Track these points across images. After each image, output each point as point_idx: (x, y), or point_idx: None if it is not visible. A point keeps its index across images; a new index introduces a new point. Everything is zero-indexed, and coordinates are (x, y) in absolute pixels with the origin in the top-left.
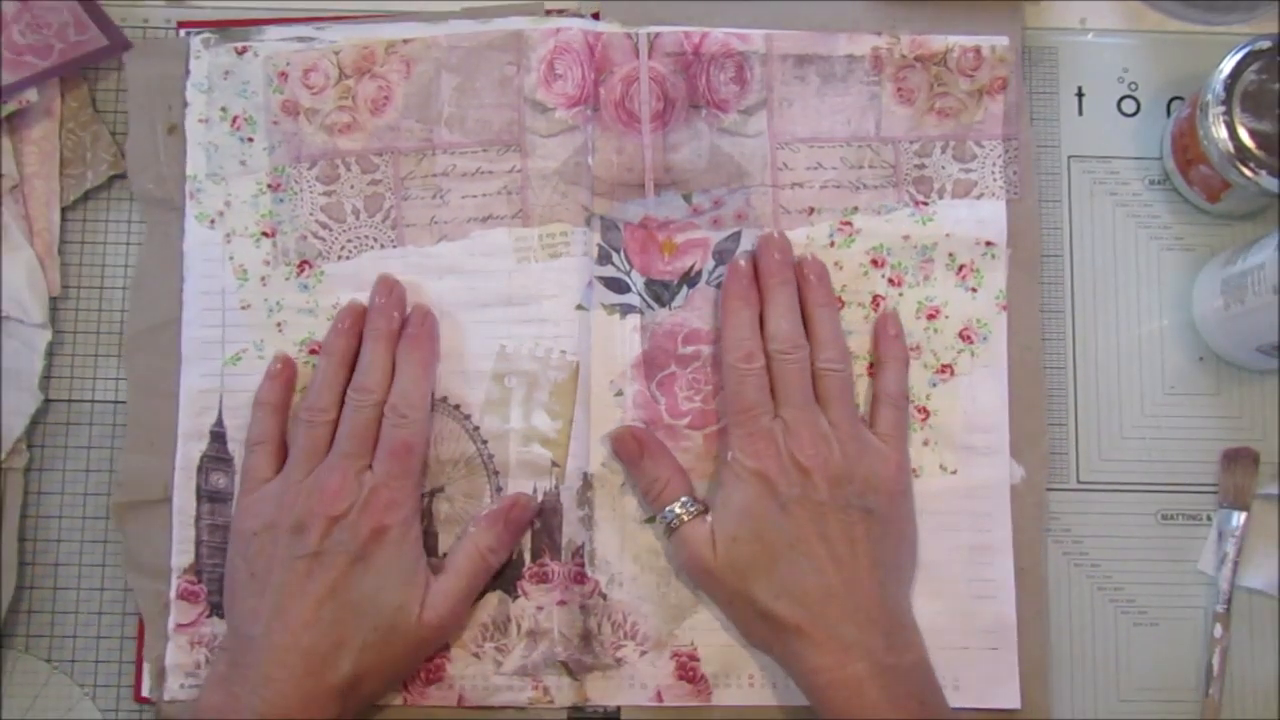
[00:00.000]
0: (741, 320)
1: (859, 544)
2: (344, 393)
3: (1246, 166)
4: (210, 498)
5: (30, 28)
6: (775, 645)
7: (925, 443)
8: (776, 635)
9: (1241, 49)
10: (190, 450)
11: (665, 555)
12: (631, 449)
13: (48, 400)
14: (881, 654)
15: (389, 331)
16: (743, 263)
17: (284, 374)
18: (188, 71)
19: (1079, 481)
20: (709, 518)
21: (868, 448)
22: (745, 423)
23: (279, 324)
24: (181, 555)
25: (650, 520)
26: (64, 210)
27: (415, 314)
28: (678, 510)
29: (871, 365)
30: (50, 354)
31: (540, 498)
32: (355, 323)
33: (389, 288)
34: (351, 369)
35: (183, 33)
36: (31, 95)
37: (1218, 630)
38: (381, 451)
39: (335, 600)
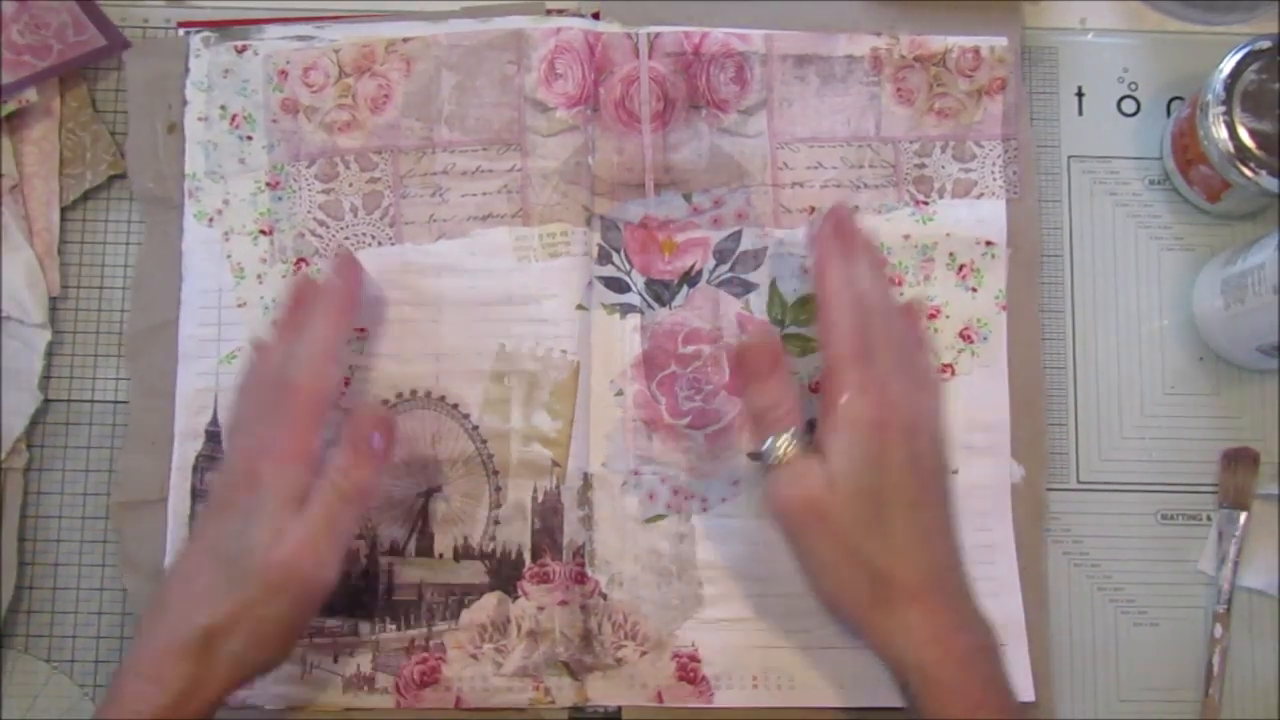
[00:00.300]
0: (839, 271)
1: (950, 509)
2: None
3: (1246, 166)
4: (205, 497)
5: (29, 28)
6: (875, 611)
7: None
8: (882, 599)
9: (1241, 49)
10: (186, 450)
11: (666, 558)
12: (761, 364)
13: (47, 400)
14: (969, 619)
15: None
16: (829, 222)
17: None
18: (187, 70)
19: (1079, 481)
20: (827, 461)
21: (933, 399)
22: (857, 367)
23: (275, 322)
24: (175, 555)
25: (653, 521)
26: (63, 210)
27: (341, 271)
28: (788, 442)
29: None
30: (50, 354)
31: (540, 497)
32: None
33: (346, 262)
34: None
35: (182, 31)
36: (31, 95)
37: (1218, 630)
38: (274, 391)
39: (210, 548)
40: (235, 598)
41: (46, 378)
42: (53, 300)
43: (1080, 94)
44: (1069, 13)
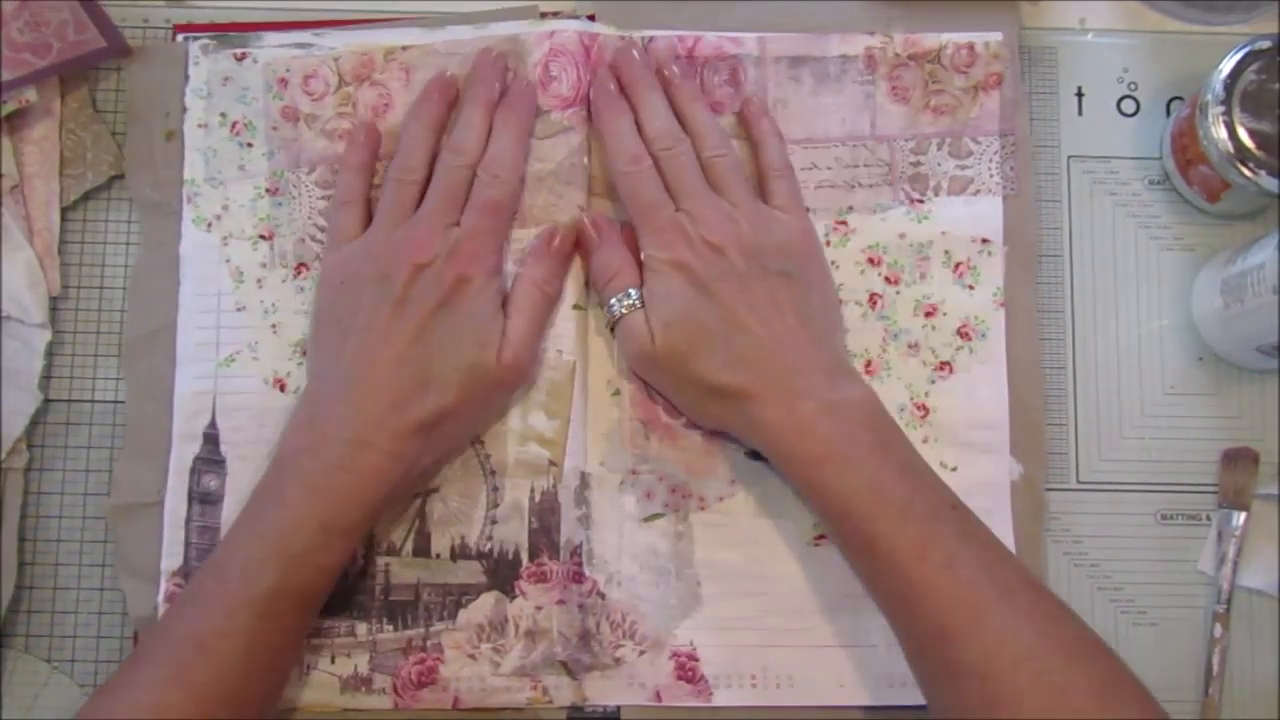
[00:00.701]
0: (620, 127)
1: (784, 305)
2: (432, 156)
3: (1246, 166)
4: (201, 499)
5: (29, 25)
6: (729, 417)
7: (925, 440)
8: (728, 406)
9: (1241, 49)
10: (184, 452)
11: (664, 557)
12: (589, 237)
13: (47, 400)
14: (825, 391)
15: (489, 98)
16: (606, 78)
17: (369, 140)
18: (187, 77)
19: (1079, 481)
20: (645, 310)
21: (772, 218)
22: (650, 220)
23: (274, 325)
24: (171, 558)
25: (650, 520)
26: (64, 210)
27: (516, 83)
28: (623, 303)
29: (870, 364)
30: (50, 354)
31: (538, 497)
32: (444, 93)
33: (491, 57)
34: (438, 136)
35: (181, 38)
36: (31, 95)
37: (1217, 630)
38: (471, 207)
39: (419, 342)
40: (465, 390)
41: (47, 378)
42: (53, 300)
43: (1080, 94)
44: (1068, 13)
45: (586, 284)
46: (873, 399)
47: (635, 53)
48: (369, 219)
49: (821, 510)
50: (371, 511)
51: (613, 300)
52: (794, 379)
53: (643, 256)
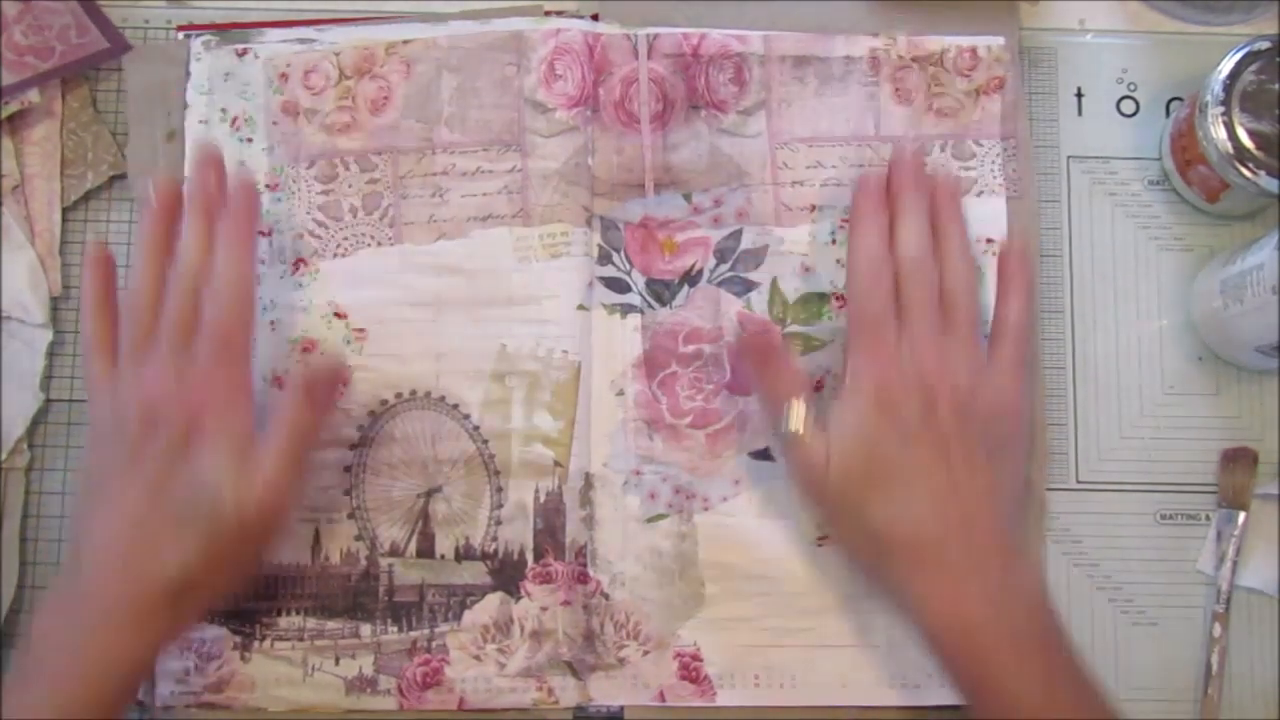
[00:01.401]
0: (870, 230)
1: (979, 476)
2: (165, 278)
3: (1245, 167)
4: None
5: (31, 29)
6: (883, 570)
7: None
8: (885, 559)
9: (1240, 49)
10: None
11: (667, 557)
12: (760, 352)
13: (49, 400)
14: (996, 575)
15: (208, 204)
16: (873, 179)
17: (100, 263)
18: (188, 74)
19: (1078, 481)
20: (827, 430)
21: (994, 382)
22: (870, 338)
23: (272, 323)
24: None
25: (654, 520)
26: (65, 210)
27: (237, 188)
28: (799, 414)
29: None
30: (51, 354)
31: (542, 498)
32: (171, 202)
33: (208, 158)
34: (169, 253)
35: (182, 35)
36: (33, 96)
37: (1216, 630)
38: (200, 337)
39: (154, 501)
40: (208, 545)
41: (48, 378)
42: (54, 300)
43: (1079, 94)
44: (1068, 13)
45: (589, 284)
46: (1039, 587)
47: (914, 158)
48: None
49: (961, 688)
50: (127, 687)
51: (785, 412)
52: (968, 556)
53: (848, 373)
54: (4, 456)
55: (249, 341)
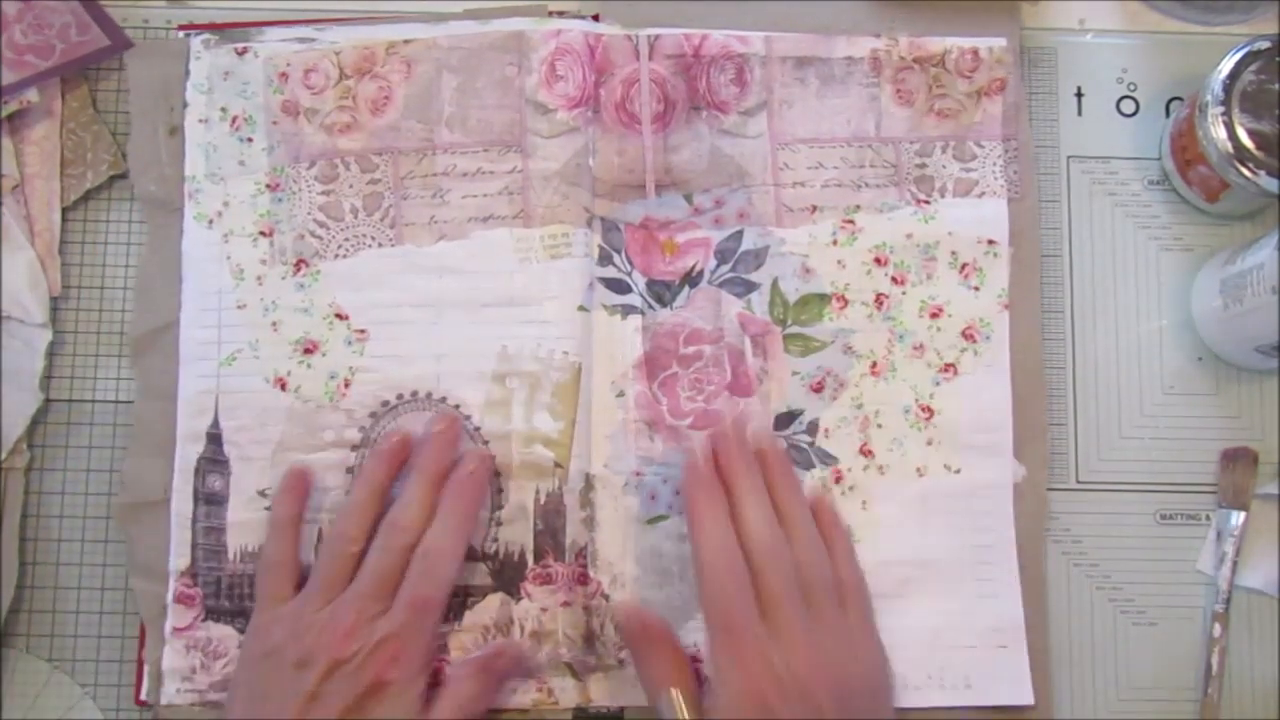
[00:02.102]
0: (709, 519)
1: None
2: (375, 522)
3: (1245, 167)
4: (207, 500)
5: (32, 28)
6: None
7: (929, 442)
8: None
9: (1240, 49)
10: (188, 452)
11: (668, 558)
12: (634, 630)
13: (48, 400)
14: None
15: (436, 473)
16: (701, 462)
17: (298, 488)
18: (188, 73)
19: (1078, 481)
20: None
21: (858, 650)
22: (734, 638)
23: (274, 323)
24: (179, 558)
25: (654, 522)
26: (65, 210)
27: (468, 458)
28: (674, 710)
29: (875, 365)
30: (51, 354)
31: (542, 499)
32: (398, 451)
33: (447, 424)
34: (384, 500)
35: (183, 34)
36: (33, 95)
37: (1216, 630)
38: (400, 599)
39: None
40: None
41: (48, 378)
42: (54, 300)
43: (1079, 94)
44: (1068, 13)
45: (589, 285)
46: None
47: (736, 440)
48: (299, 578)
49: None
50: None
51: (662, 705)
52: None
53: (716, 678)
54: (4, 456)
55: (440, 618)
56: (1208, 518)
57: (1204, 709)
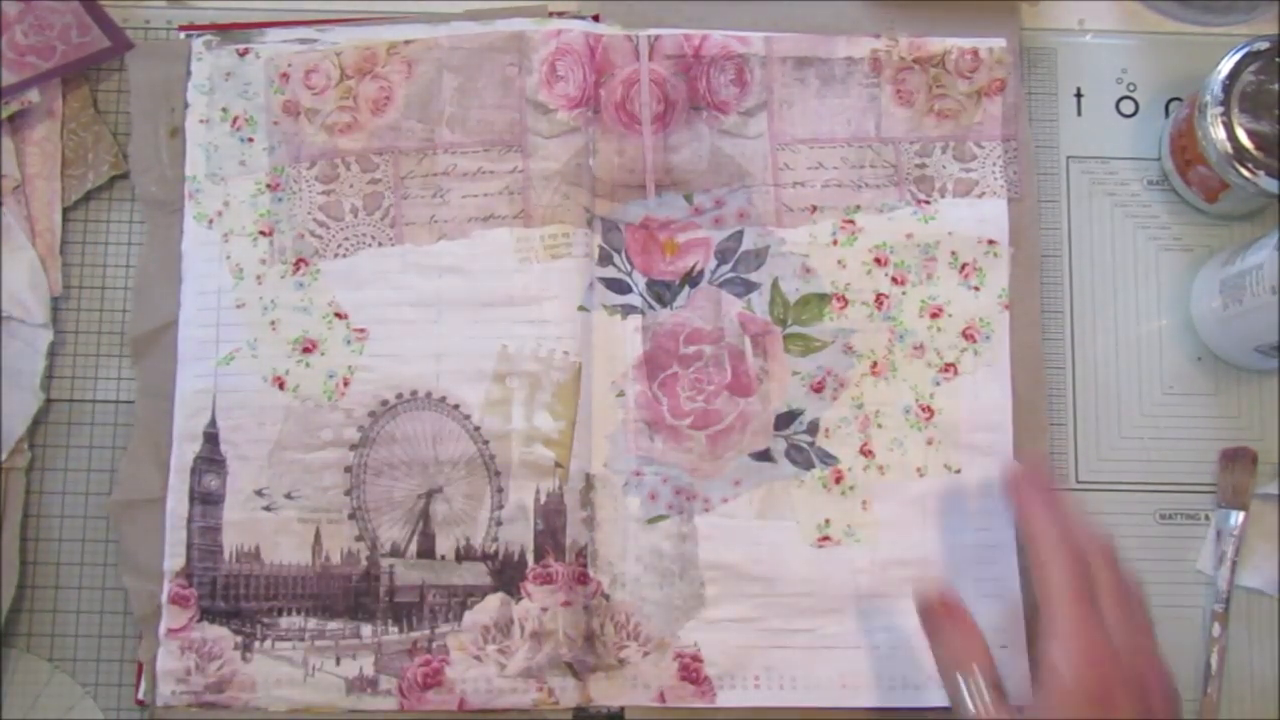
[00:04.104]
0: (1052, 511)
1: None
2: None
3: (1245, 167)
4: (202, 499)
5: (33, 28)
6: None
7: (930, 442)
8: None
9: (1240, 50)
10: (184, 452)
11: (668, 558)
12: (931, 606)
13: (49, 400)
14: None
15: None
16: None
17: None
18: (189, 73)
19: (1078, 481)
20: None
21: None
22: (1070, 624)
23: (273, 322)
24: (174, 558)
25: (654, 521)
26: (66, 210)
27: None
28: (977, 699)
29: (875, 365)
30: (52, 354)
31: (542, 498)
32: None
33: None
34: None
35: (184, 35)
36: (34, 96)
37: (1216, 629)
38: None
39: None
40: None
41: (49, 378)
42: (55, 300)
43: (1079, 95)
44: (1067, 14)
45: (589, 285)
46: None
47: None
48: None
49: None
50: None
51: (967, 692)
52: None
53: (1048, 660)
54: (4, 456)
55: None
56: (1207, 518)
57: (1204, 709)
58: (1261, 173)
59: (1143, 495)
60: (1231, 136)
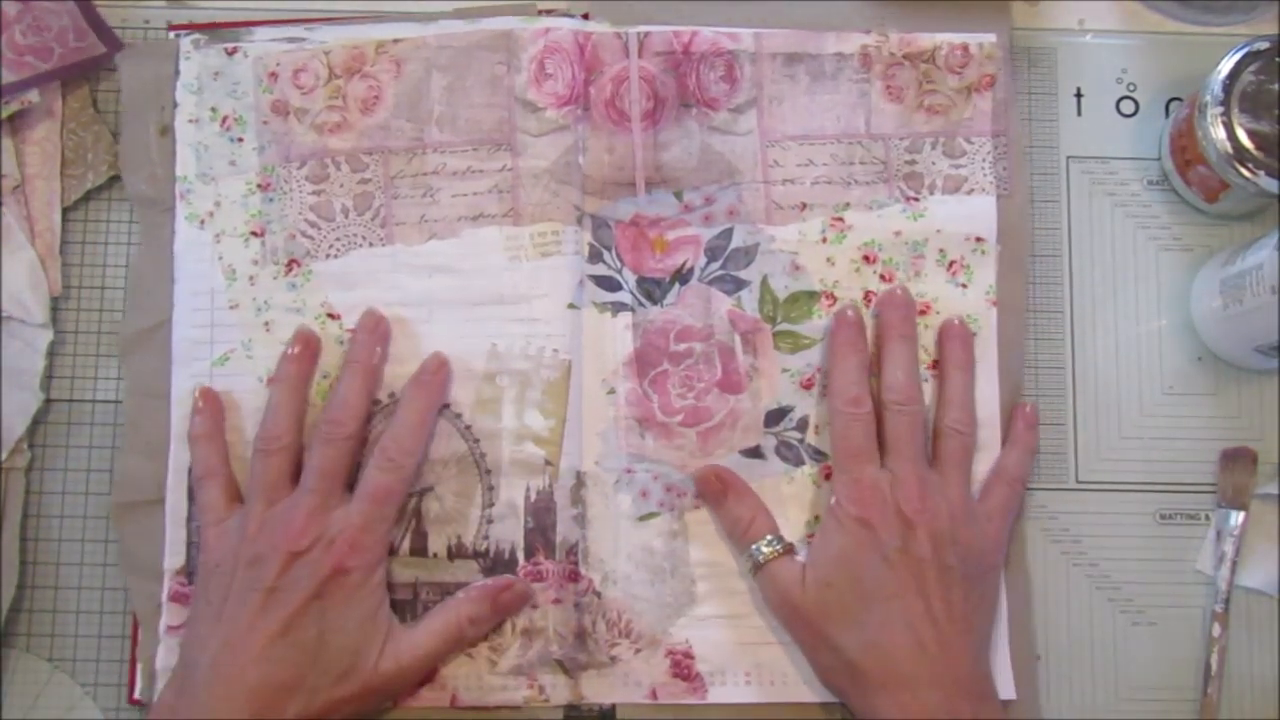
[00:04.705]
0: (849, 365)
1: (955, 607)
2: (299, 418)
3: (1245, 167)
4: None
5: (31, 28)
6: (853, 695)
7: None
8: (857, 686)
9: (1240, 50)
10: (182, 452)
11: (659, 555)
12: (715, 488)
13: (49, 400)
14: (960, 711)
15: (369, 364)
16: (850, 312)
17: (209, 407)
18: (178, 73)
19: (1078, 481)
20: (798, 556)
21: (973, 515)
22: (850, 468)
23: (266, 323)
24: (174, 557)
25: (646, 519)
26: (65, 210)
27: (432, 360)
28: (764, 549)
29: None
30: (51, 354)
31: (533, 496)
32: (307, 348)
33: (375, 322)
34: (304, 395)
35: (173, 34)
36: (33, 96)
37: (1216, 630)
38: (360, 492)
39: (287, 638)
40: (334, 695)
41: (48, 378)
42: (54, 300)
43: (1079, 95)
44: (1067, 13)
45: (579, 283)
46: None
47: (902, 305)
48: (234, 488)
49: None
50: None
51: (754, 546)
52: (938, 695)
53: (831, 501)
54: (4, 456)
55: (395, 513)
56: (1207, 518)
57: (1204, 709)
58: (1261, 173)
59: (1143, 495)
60: (1231, 136)
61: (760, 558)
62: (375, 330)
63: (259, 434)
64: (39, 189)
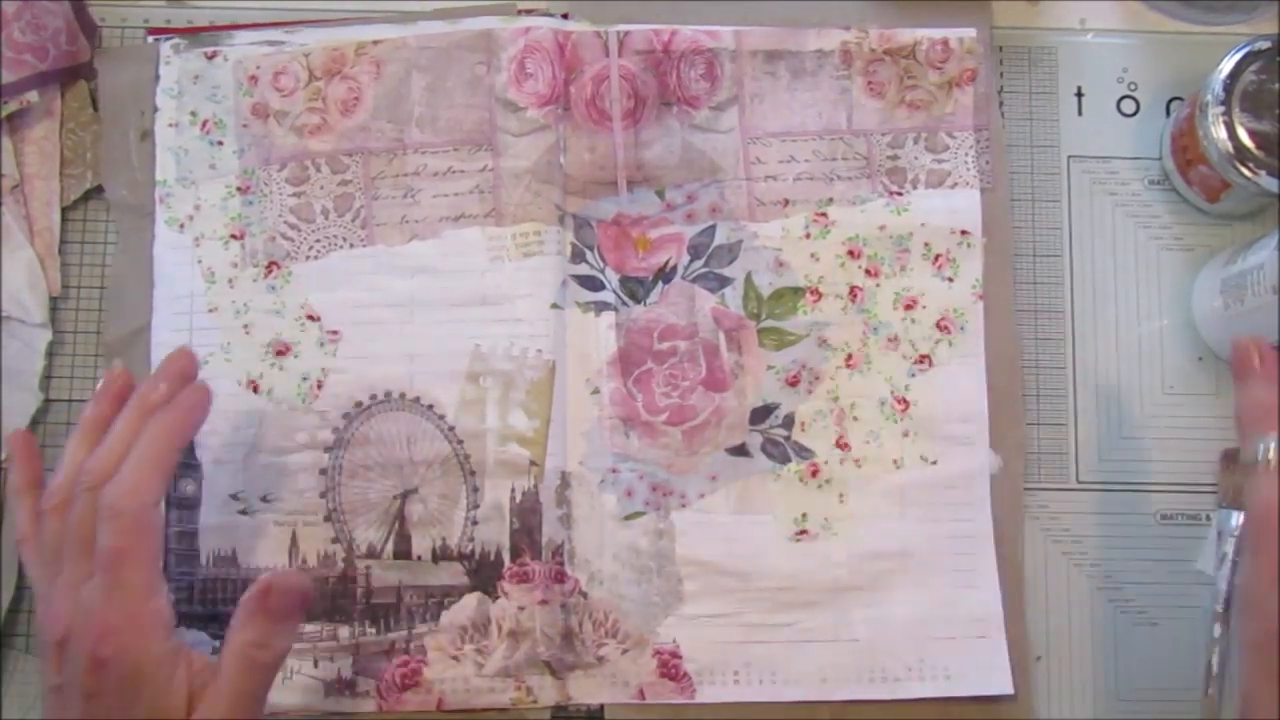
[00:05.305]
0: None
1: None
2: None
3: (1246, 166)
4: (179, 504)
5: (30, 27)
6: None
7: (905, 434)
8: None
9: (1241, 49)
10: None
11: (645, 555)
12: (1246, 362)
13: (48, 400)
14: None
15: (145, 404)
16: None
17: (23, 452)
18: (158, 77)
19: (1078, 481)
20: None
21: None
22: None
23: (245, 326)
24: None
25: (631, 518)
26: (64, 210)
27: (187, 392)
28: (1276, 446)
29: (850, 358)
30: (50, 354)
31: (518, 497)
32: (117, 391)
33: (177, 358)
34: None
35: (152, 39)
36: (32, 96)
37: (1216, 630)
38: (95, 566)
39: None
40: None
41: (47, 378)
42: (54, 300)
43: (1080, 94)
44: (1068, 13)
45: (562, 283)
46: None
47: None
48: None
49: None
50: None
51: (1262, 442)
52: None
53: None
54: (3, 456)
55: (150, 569)
56: (1208, 518)
57: (1204, 709)
58: (1263, 172)
59: (1143, 495)
60: (1233, 136)
61: (1261, 455)
62: (172, 366)
63: (44, 495)
64: (38, 189)
